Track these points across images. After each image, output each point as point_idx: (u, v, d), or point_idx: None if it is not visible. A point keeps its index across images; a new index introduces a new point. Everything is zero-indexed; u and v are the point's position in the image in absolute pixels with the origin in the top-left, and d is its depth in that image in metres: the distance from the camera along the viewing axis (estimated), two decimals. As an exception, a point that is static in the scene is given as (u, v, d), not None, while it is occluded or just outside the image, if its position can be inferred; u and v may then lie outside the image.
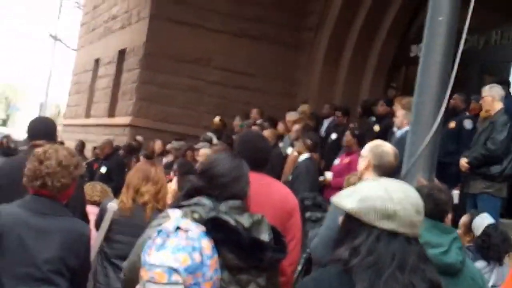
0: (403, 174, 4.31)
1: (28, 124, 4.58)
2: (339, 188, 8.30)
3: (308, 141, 8.68)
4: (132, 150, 12.71)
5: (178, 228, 2.71)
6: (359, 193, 2.15)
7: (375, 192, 2.13)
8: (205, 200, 2.89)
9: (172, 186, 5.68)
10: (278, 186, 3.90)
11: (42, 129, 4.55)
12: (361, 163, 4.41)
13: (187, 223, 2.75)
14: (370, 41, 14.41)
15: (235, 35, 15.44)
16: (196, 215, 2.83)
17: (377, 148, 4.37)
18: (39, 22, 65.14)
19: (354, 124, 10.27)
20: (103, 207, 4.53)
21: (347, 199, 2.17)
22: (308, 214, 6.80)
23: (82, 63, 21.33)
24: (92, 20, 20.91)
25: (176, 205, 2.99)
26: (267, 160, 3.85)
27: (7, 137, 8.25)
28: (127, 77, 16.39)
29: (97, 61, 19.51)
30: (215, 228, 2.75)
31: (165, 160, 11.60)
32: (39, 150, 3.35)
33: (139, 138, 13.90)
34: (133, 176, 4.55)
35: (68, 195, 3.43)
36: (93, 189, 5.70)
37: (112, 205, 4.47)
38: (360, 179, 4.39)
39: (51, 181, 3.23)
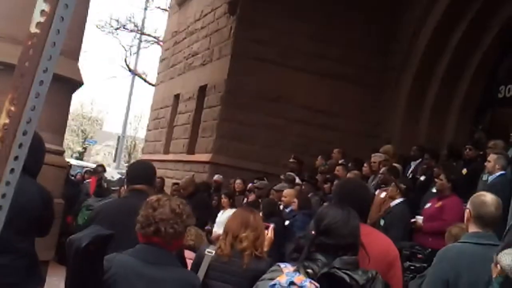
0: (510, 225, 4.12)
1: (128, 168, 4.60)
2: (431, 233, 8.10)
3: (402, 186, 8.44)
4: (214, 188, 12.64)
5: (292, 283, 2.71)
6: None
7: None
8: (318, 255, 2.89)
9: (269, 233, 5.56)
10: (379, 236, 3.86)
11: (142, 174, 4.60)
12: (465, 215, 4.30)
13: (300, 279, 2.75)
14: (456, 81, 14.09)
15: (317, 74, 15.33)
16: (309, 270, 2.82)
17: (477, 198, 4.25)
18: (116, 56, 66.77)
19: (448, 168, 9.96)
20: (201, 253, 4.49)
21: (505, 256, 2.19)
22: (406, 264, 6.58)
23: (161, 99, 21.58)
24: (172, 56, 21.18)
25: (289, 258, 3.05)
26: (365, 210, 3.76)
27: (101, 177, 8.27)
28: (208, 114, 16.44)
29: (177, 96, 19.70)
30: (329, 284, 2.75)
31: (247, 199, 11.51)
32: (152, 198, 3.37)
33: (218, 177, 13.79)
34: (232, 222, 4.54)
35: (179, 245, 3.45)
36: (187, 232, 5.62)
37: (210, 251, 4.43)
38: (466, 231, 4.30)
39: (164, 227, 3.22)
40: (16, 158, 1.27)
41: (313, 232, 2.99)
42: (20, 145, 1.27)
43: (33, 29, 1.31)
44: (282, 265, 2.92)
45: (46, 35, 1.28)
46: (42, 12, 1.29)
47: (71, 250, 2.92)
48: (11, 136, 1.27)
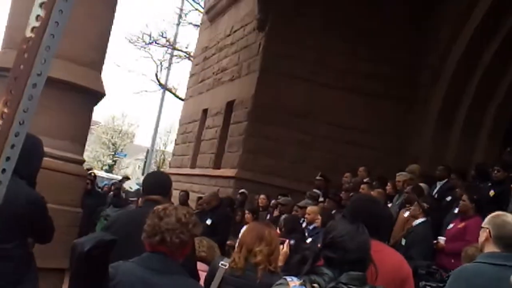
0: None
1: (144, 178, 4.63)
2: (453, 254, 8.02)
3: (425, 205, 8.36)
4: (238, 204, 12.65)
5: (297, 297, 2.65)
6: None
7: None
8: (325, 270, 2.86)
9: (284, 248, 5.55)
10: (391, 253, 3.84)
11: (158, 185, 4.61)
12: (482, 235, 4.21)
13: (306, 293, 2.71)
14: (487, 101, 13.93)
15: (346, 90, 15.31)
16: (315, 285, 2.80)
17: (498, 218, 4.15)
18: (148, 70, 67.36)
19: (471, 188, 9.86)
20: (215, 266, 4.48)
21: None
22: (422, 284, 6.50)
23: (189, 113, 21.72)
24: (201, 71, 21.34)
25: (295, 272, 2.95)
26: (380, 227, 3.75)
27: (119, 187, 8.37)
28: (235, 129, 16.49)
29: (205, 111, 19.81)
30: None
31: (270, 215, 11.49)
32: (159, 207, 3.36)
33: (243, 191, 13.82)
34: (246, 235, 4.53)
35: (185, 254, 3.40)
36: (200, 244, 5.63)
37: (224, 264, 4.41)
38: (481, 251, 4.23)
39: (169, 237, 3.22)
40: (7, 158, 1.30)
41: (319, 245, 2.98)
42: (12, 146, 1.30)
43: (28, 33, 1.34)
44: (288, 278, 2.90)
45: (40, 39, 1.31)
46: (38, 17, 1.32)
47: (74, 254, 2.93)
48: (3, 137, 1.29)
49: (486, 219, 4.23)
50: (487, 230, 4.12)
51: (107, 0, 6.47)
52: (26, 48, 1.34)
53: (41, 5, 1.33)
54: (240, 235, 4.97)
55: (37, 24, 1.33)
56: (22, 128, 1.31)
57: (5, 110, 1.33)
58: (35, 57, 1.33)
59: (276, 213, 11.36)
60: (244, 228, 9.89)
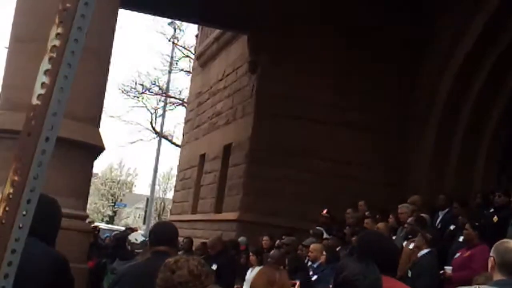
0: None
1: (150, 230, 4.63)
2: (461, 283, 7.98)
3: (428, 236, 8.36)
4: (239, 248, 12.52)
5: None
6: None
7: None
8: None
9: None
10: None
11: (165, 235, 4.61)
12: (489, 264, 4.22)
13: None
14: (481, 128, 13.99)
15: (340, 125, 15.36)
16: None
17: (501, 245, 4.16)
18: (142, 119, 67.45)
19: (473, 216, 9.85)
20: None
21: None
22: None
23: (187, 159, 21.73)
24: (196, 117, 21.42)
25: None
26: (390, 262, 3.70)
27: (121, 237, 8.34)
28: (233, 172, 16.49)
29: (202, 156, 19.83)
30: None
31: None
32: (170, 260, 3.33)
33: (242, 239, 13.57)
34: (257, 280, 4.48)
35: None
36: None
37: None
38: (490, 279, 4.19)
39: None
40: (20, 227, 1.32)
41: (330, 286, 2.97)
42: (25, 213, 1.32)
43: (35, 101, 1.36)
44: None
45: (47, 106, 1.34)
46: (43, 84, 1.35)
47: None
48: (15, 205, 1.32)
49: (493, 247, 4.24)
50: (491, 259, 4.13)
51: (101, 54, 6.54)
52: (33, 115, 1.36)
53: (45, 72, 1.36)
54: (249, 277, 4.95)
55: (42, 91, 1.36)
56: (33, 195, 1.33)
57: (16, 178, 1.35)
58: (43, 124, 1.35)
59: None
60: (253, 270, 9.87)
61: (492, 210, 10.35)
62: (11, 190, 1.34)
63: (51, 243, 3.84)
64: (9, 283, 1.37)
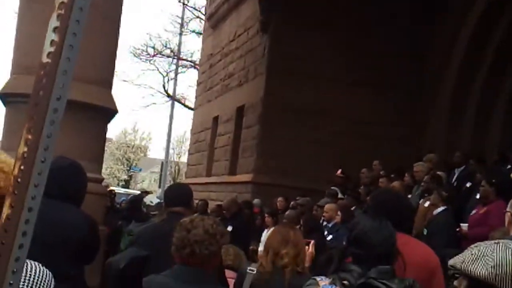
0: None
1: (165, 191, 4.66)
2: (477, 239, 7.97)
3: (444, 193, 8.33)
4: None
5: (328, 295, 2.67)
6: (490, 258, 2.00)
7: (510, 258, 1.99)
8: (353, 266, 2.86)
9: (310, 248, 5.53)
10: (418, 245, 3.81)
11: (180, 197, 4.66)
12: (506, 220, 4.16)
13: (337, 291, 2.73)
14: (499, 80, 13.81)
15: (354, 84, 15.25)
16: (345, 282, 2.80)
17: None
18: (155, 82, 67.42)
19: (490, 173, 9.80)
20: (242, 272, 4.49)
21: (475, 265, 2.03)
22: (451, 272, 6.47)
23: (200, 122, 21.74)
24: (208, 79, 21.36)
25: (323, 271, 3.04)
26: (404, 219, 3.70)
27: (139, 200, 8.39)
28: (247, 134, 16.49)
29: (215, 119, 19.83)
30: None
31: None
32: (185, 219, 3.38)
33: (256, 201, 13.59)
34: (272, 238, 4.52)
35: (215, 264, 3.44)
36: (226, 253, 5.62)
37: (252, 269, 4.42)
38: (507, 234, 4.15)
39: (199, 249, 3.24)
40: (36, 185, 1.32)
41: (344, 243, 2.98)
42: (40, 173, 1.31)
43: (45, 59, 1.35)
44: (318, 278, 2.90)
45: (57, 64, 1.33)
46: (52, 42, 1.34)
47: (110, 272, 2.96)
48: (30, 164, 1.32)
49: (509, 203, 4.21)
50: (508, 214, 4.10)
51: (111, 16, 6.50)
52: (43, 74, 1.35)
53: (54, 29, 1.35)
54: (265, 239, 4.97)
55: (52, 49, 1.34)
56: (47, 153, 1.32)
57: (29, 136, 1.34)
58: (54, 82, 1.34)
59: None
60: (269, 231, 9.91)
61: (509, 166, 10.33)
62: (25, 149, 1.34)
63: (78, 206, 3.92)
64: (27, 241, 1.37)
